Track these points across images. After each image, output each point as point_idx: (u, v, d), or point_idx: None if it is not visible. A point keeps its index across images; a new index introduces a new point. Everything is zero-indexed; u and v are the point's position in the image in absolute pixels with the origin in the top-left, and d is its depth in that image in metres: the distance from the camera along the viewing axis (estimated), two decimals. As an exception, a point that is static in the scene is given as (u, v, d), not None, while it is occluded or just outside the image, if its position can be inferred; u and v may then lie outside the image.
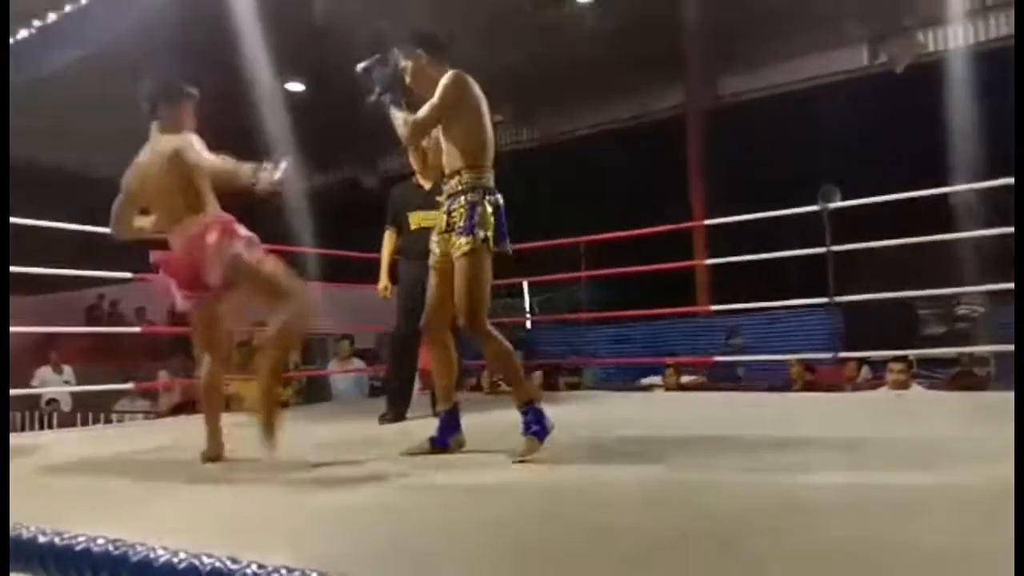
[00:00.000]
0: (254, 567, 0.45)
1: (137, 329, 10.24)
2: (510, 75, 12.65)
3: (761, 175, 11.00)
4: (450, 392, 2.97)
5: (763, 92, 11.42)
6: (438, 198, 3.03)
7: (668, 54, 11.43)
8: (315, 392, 6.97)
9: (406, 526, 1.86)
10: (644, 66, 11.84)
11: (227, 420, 2.97)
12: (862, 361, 6.75)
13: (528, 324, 12.39)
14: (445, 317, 2.90)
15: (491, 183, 2.85)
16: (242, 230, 2.86)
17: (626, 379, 8.43)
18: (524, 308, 17.27)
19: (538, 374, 6.03)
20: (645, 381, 8.09)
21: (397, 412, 4.18)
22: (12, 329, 3.14)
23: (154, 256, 2.89)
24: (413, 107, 2.90)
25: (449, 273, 2.83)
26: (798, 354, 6.62)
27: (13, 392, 6.22)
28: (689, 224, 9.46)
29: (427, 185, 4.01)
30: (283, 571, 0.45)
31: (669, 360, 7.42)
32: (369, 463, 2.74)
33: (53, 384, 8.50)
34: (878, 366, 6.32)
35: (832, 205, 4.96)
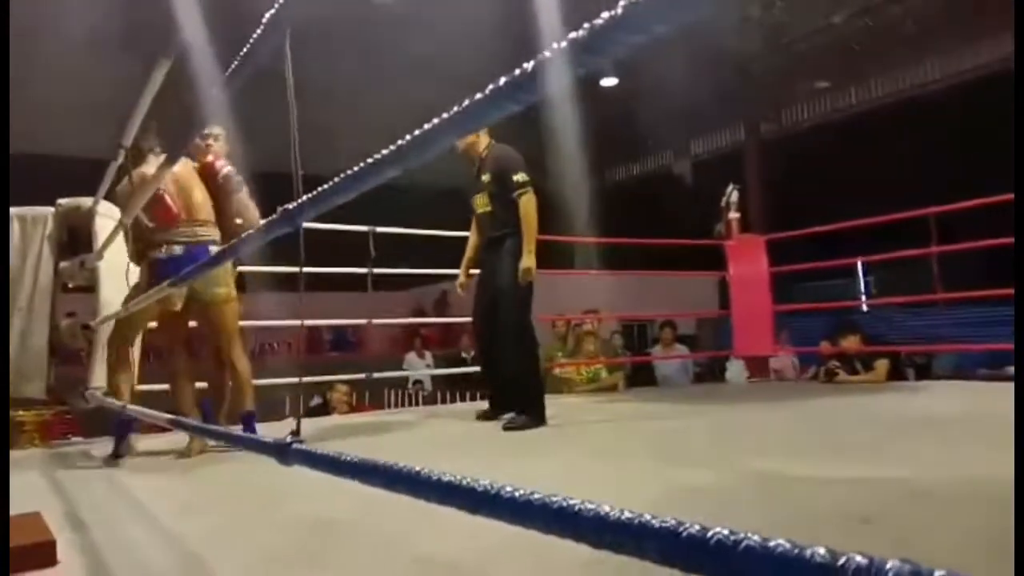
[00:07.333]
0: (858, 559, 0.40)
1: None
2: (835, 36, 11.75)
3: None
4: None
5: None
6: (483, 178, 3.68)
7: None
8: (641, 377, 7.13)
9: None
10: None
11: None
12: None
13: (864, 307, 11.40)
14: None
15: None
16: None
17: (989, 366, 7.36)
18: (858, 289, 15.89)
19: (883, 362, 5.47)
20: (1012, 369, 6.99)
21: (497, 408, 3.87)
22: (392, 321, 3.69)
23: None
24: None
25: None
26: None
27: (389, 374, 7.30)
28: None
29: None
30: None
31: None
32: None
33: (418, 368, 9.79)
34: None
35: None
